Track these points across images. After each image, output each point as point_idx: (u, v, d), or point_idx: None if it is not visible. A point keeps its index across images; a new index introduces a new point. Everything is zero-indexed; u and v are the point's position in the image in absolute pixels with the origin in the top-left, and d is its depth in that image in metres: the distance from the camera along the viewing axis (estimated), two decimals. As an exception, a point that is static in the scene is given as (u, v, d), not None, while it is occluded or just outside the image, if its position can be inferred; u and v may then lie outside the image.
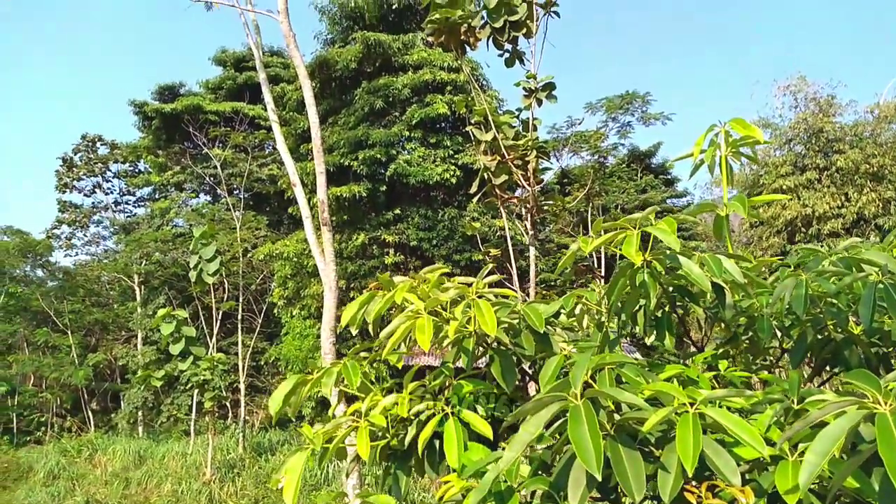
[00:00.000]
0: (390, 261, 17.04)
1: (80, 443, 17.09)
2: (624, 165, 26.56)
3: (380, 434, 2.07)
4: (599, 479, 1.20)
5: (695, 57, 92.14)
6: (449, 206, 18.04)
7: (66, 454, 16.06)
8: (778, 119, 23.95)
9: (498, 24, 6.32)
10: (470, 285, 2.13)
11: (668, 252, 1.75)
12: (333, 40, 20.01)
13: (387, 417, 2.04)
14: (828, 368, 2.10)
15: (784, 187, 21.74)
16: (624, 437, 1.36)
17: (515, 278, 7.00)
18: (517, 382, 2.43)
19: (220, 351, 18.35)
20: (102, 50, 74.28)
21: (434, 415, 1.91)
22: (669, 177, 28.40)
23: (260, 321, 19.29)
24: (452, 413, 1.90)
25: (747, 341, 2.17)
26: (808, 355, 2.13)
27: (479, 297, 2.15)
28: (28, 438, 19.70)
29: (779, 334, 2.10)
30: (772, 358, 2.27)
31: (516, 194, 7.58)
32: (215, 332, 17.94)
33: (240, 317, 18.32)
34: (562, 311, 2.17)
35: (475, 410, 2.00)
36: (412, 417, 2.02)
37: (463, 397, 2.00)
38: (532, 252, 7.50)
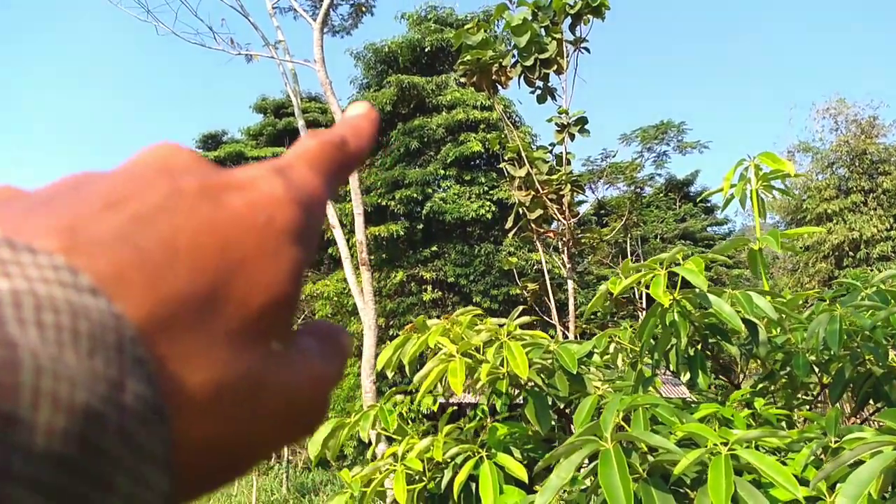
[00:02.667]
0: (428, 297, 17.11)
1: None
2: (661, 195, 26.34)
3: (416, 477, 2.10)
4: (630, 523, 1.21)
5: (730, 82, 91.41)
6: (485, 241, 18.11)
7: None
8: (818, 143, 23.57)
9: (529, 63, 6.42)
10: (503, 326, 2.16)
11: (697, 291, 1.76)
12: (368, 84, 20.53)
13: (423, 460, 2.07)
14: (871, 403, 2.05)
15: (829, 211, 21.23)
16: (656, 480, 1.36)
17: (554, 312, 6.95)
18: (554, 423, 2.43)
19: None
20: (149, 102, 77.52)
21: (469, 458, 1.93)
22: (709, 205, 28.03)
23: (301, 361, 19.43)
24: (487, 456, 1.91)
25: (785, 377, 2.14)
26: (851, 390, 2.08)
27: (513, 338, 2.18)
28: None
29: (816, 370, 2.06)
30: (812, 394, 2.23)
31: (553, 227, 7.57)
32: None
33: (282, 357, 18.49)
34: (595, 351, 2.18)
35: (510, 453, 2.01)
36: (448, 461, 2.04)
37: (498, 440, 2.01)
38: (570, 285, 7.46)
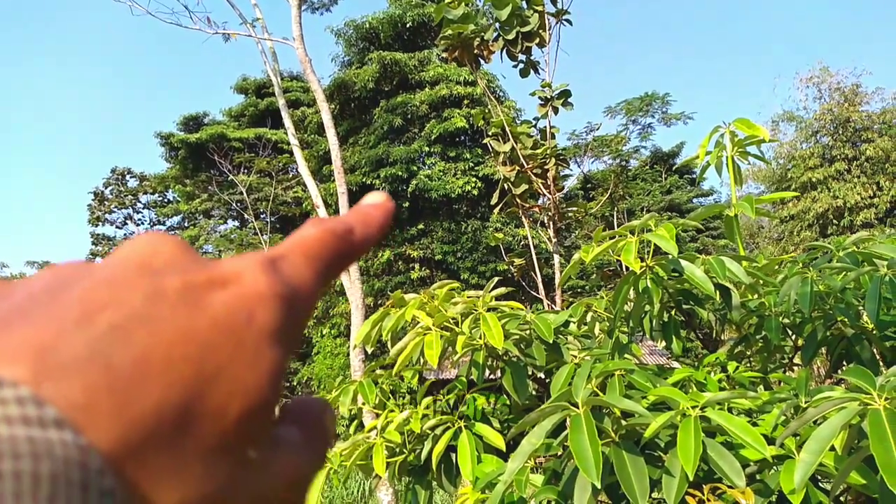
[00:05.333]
0: (416, 276, 17.13)
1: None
2: (647, 167, 26.38)
3: (398, 450, 2.11)
4: (599, 486, 1.22)
5: (713, 52, 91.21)
6: (472, 217, 18.10)
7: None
8: (802, 111, 23.65)
9: (510, 36, 6.34)
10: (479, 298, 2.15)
11: (670, 257, 1.76)
12: (350, 62, 20.30)
13: (403, 433, 2.08)
14: (845, 364, 2.08)
15: (813, 180, 21.37)
16: (628, 444, 1.38)
17: (541, 286, 6.97)
18: (535, 393, 2.45)
19: (254, 373, 18.51)
20: (126, 84, 76.34)
21: (448, 429, 1.94)
22: (695, 176, 28.10)
23: (291, 342, 19.46)
24: (466, 427, 1.92)
25: (761, 341, 2.16)
26: (826, 352, 2.11)
27: (492, 310, 2.19)
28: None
29: (790, 333, 2.08)
30: (788, 356, 2.26)
31: (539, 202, 7.55)
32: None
33: (271, 339, 18.52)
34: (571, 320, 2.18)
35: (489, 423, 2.02)
36: (428, 432, 2.05)
37: (476, 411, 2.02)
38: (556, 259, 7.48)
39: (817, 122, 22.51)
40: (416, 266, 17.43)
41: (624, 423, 1.49)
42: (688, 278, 1.72)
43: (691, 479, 1.22)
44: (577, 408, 1.36)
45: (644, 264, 1.77)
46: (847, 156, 21.48)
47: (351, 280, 10.23)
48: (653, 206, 24.62)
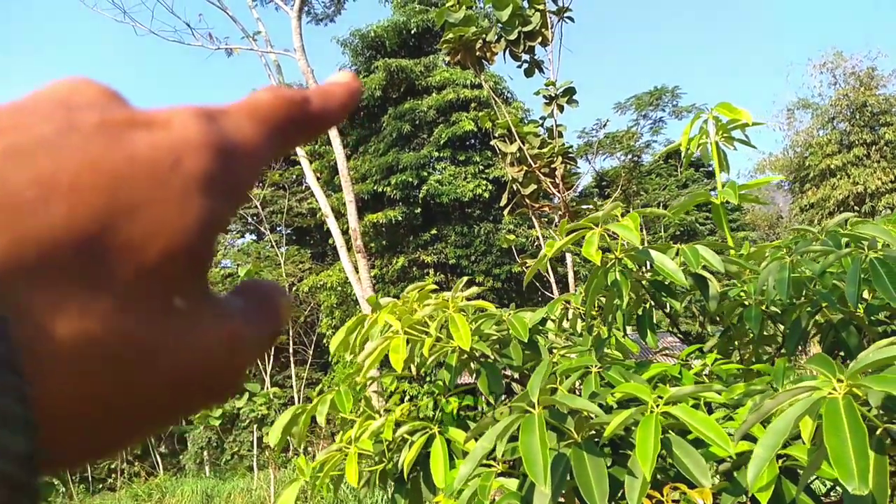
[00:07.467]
0: (431, 281, 17.09)
1: (150, 487, 17.49)
2: (661, 162, 26.12)
3: (376, 459, 2.06)
4: (546, 490, 1.15)
5: (723, 42, 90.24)
6: (484, 220, 18.03)
7: (138, 498, 16.50)
8: (817, 98, 23.26)
9: (512, 37, 6.28)
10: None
11: (639, 249, 1.69)
12: (357, 71, 20.36)
13: (382, 441, 2.03)
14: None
15: (831, 167, 21.00)
16: (589, 444, 1.31)
17: (554, 286, 6.89)
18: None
19: (275, 385, 18.63)
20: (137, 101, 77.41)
21: (423, 435, 1.89)
22: (710, 169, 27.75)
23: (311, 352, 19.54)
24: (440, 432, 1.86)
25: (750, 332, 2.08)
26: (819, 341, 2.02)
27: (481, 310, 2.13)
28: (101, 486, 20.28)
29: (775, 322, 2.00)
30: (781, 346, 2.17)
31: (554, 202, 7.46)
32: (269, 367, 18.26)
33: (291, 350, 18.60)
34: (551, 318, 2.12)
35: (467, 427, 1.96)
36: (408, 437, 1.99)
37: (451, 415, 1.97)
38: (569, 259, 7.40)
39: (833, 109, 22.12)
40: (431, 271, 17.39)
41: (593, 421, 1.43)
42: (658, 269, 1.65)
43: (648, 479, 1.15)
44: (533, 408, 1.30)
45: (613, 256, 1.70)
46: (865, 140, 21.06)
47: (363, 288, 10.23)
48: (669, 201, 24.34)
